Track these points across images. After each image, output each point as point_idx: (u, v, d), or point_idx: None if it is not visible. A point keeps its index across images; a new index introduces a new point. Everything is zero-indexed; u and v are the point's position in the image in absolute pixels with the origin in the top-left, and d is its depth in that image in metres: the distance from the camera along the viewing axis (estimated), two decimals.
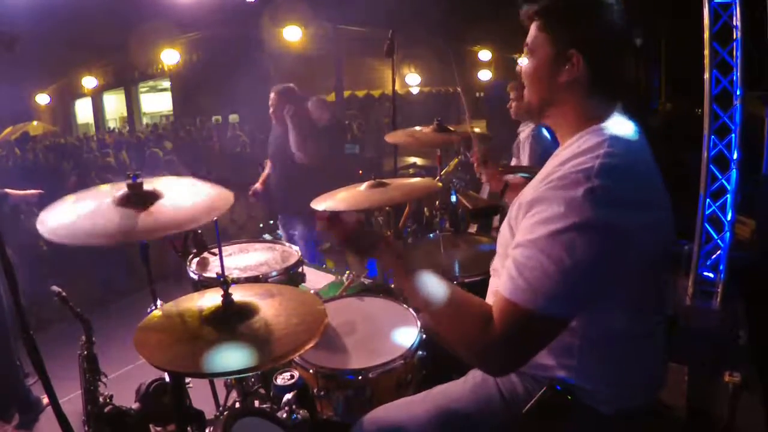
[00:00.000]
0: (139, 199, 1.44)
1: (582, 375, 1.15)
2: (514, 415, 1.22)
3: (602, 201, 0.99)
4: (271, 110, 3.84)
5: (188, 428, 1.50)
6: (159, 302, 1.77)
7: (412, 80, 15.85)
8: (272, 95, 3.82)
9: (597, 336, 1.12)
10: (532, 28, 1.20)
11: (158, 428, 1.74)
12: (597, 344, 1.13)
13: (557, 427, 1.20)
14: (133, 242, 1.57)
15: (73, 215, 1.39)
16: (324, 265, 3.23)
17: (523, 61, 1.23)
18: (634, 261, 1.04)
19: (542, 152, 3.51)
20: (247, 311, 1.33)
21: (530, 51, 1.21)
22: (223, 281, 1.32)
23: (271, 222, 4.52)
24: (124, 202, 1.45)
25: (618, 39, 1.14)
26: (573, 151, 1.09)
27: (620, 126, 1.13)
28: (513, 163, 3.79)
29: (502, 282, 1.06)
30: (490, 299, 1.33)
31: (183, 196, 1.54)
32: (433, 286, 1.15)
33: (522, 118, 3.75)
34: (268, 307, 1.35)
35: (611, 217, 0.99)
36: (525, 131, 3.64)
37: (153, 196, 1.45)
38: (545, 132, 3.57)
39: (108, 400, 1.65)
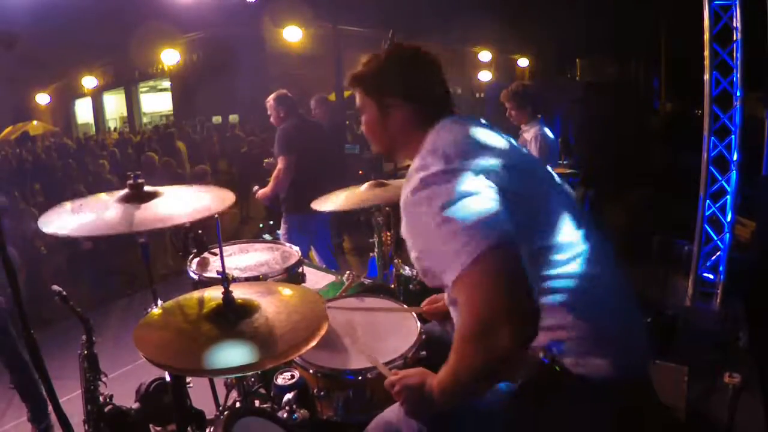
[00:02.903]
0: (139, 196, 1.47)
1: (559, 333, 1.17)
2: (516, 401, 1.22)
3: (442, 161, 1.17)
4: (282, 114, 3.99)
5: (188, 428, 1.50)
6: (159, 302, 1.77)
7: None
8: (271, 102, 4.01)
9: (550, 288, 1.18)
10: (358, 93, 1.43)
11: (158, 428, 1.74)
12: (556, 295, 1.18)
13: (554, 404, 1.19)
14: (134, 234, 1.59)
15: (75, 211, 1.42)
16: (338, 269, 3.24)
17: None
18: (514, 187, 1.18)
19: (548, 149, 3.53)
20: (247, 308, 1.32)
21: (361, 112, 1.44)
22: (223, 278, 1.32)
23: (271, 222, 4.53)
24: (125, 199, 1.48)
25: (419, 71, 1.39)
26: (414, 165, 1.25)
27: (445, 122, 1.33)
28: None
29: (445, 278, 1.10)
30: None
31: (183, 194, 1.57)
32: (455, 391, 1.17)
33: (522, 123, 3.76)
34: (269, 304, 1.35)
35: (460, 165, 1.15)
36: (530, 131, 3.65)
37: (153, 194, 1.48)
38: (548, 131, 3.60)
39: (108, 400, 1.65)
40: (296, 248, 2.28)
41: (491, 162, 1.19)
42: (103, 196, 1.61)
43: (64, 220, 1.45)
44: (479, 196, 1.11)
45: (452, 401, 1.20)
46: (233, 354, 1.16)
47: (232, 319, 1.28)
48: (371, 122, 1.43)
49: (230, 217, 5.75)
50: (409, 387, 1.25)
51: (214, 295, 1.38)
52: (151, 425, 1.72)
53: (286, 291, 1.47)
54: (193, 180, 5.89)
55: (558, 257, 1.20)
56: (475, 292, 1.04)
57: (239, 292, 1.36)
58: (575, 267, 1.21)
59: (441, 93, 1.41)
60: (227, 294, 1.31)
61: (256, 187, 4.12)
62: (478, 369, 1.09)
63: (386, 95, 1.38)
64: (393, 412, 1.39)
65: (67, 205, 1.53)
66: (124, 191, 1.56)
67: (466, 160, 1.17)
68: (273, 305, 1.34)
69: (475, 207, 1.09)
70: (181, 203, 1.56)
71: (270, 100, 4.05)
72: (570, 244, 1.23)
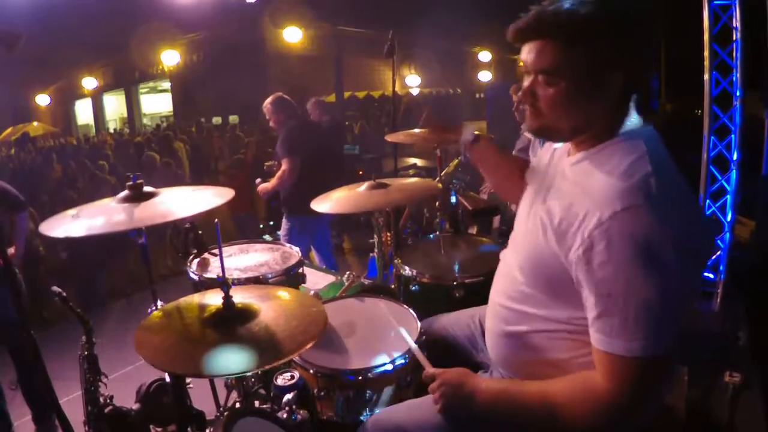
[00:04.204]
0: (139, 197, 1.48)
1: None
2: None
3: (661, 217, 0.94)
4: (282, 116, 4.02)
5: (188, 429, 1.50)
6: (159, 302, 1.77)
7: (413, 81, 15.87)
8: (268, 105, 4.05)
9: None
10: (552, 48, 1.02)
11: (158, 429, 1.73)
12: None
13: None
14: (133, 233, 1.60)
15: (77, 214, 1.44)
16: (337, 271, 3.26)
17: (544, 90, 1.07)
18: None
19: None
20: (247, 313, 1.32)
21: (555, 75, 1.03)
22: (223, 283, 1.32)
23: (271, 222, 4.53)
24: (124, 199, 1.50)
25: (652, 52, 1.05)
26: (607, 168, 1.03)
27: (643, 134, 1.08)
28: None
29: (597, 337, 1.03)
30: (498, 282, 1.33)
31: (181, 193, 1.60)
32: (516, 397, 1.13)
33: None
34: (268, 309, 1.35)
35: (674, 231, 0.95)
36: None
37: (151, 194, 1.49)
38: None
39: (108, 401, 1.65)
40: (296, 249, 2.28)
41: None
42: (102, 201, 1.63)
43: (67, 225, 1.46)
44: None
45: (497, 412, 1.16)
46: (232, 359, 1.17)
47: (231, 324, 1.28)
48: (567, 94, 1.02)
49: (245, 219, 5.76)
50: (448, 384, 1.22)
51: (213, 299, 1.38)
52: (151, 426, 1.72)
53: (285, 295, 1.48)
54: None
55: None
56: (632, 378, 1.00)
57: (238, 297, 1.37)
58: None
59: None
60: (227, 299, 1.32)
61: (258, 180, 4.12)
62: (574, 419, 1.05)
63: (609, 66, 0.99)
64: (400, 412, 1.38)
65: (70, 212, 1.55)
66: (124, 193, 1.57)
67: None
68: (272, 310, 1.34)
69: (675, 299, 0.97)
70: (181, 201, 1.58)
71: (267, 104, 4.04)
72: None
